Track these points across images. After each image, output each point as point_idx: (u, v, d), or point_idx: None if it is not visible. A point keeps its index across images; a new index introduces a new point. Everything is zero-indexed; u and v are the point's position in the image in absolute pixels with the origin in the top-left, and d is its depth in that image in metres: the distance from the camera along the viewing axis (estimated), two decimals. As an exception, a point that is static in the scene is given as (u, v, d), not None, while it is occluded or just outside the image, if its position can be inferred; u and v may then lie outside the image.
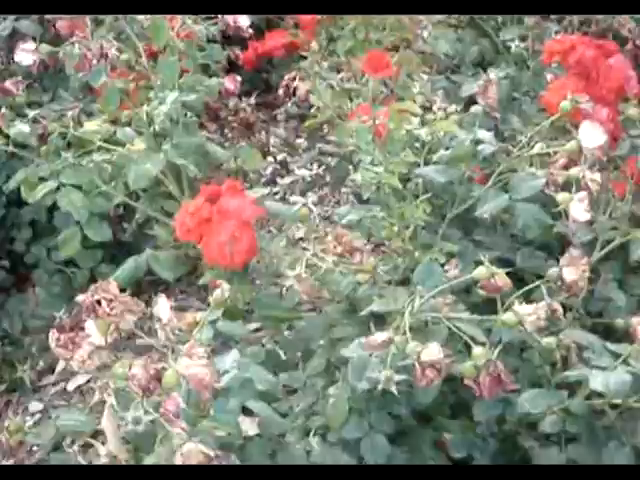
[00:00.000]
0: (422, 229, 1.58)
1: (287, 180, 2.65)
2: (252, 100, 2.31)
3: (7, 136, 1.68)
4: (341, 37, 1.90)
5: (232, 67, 2.11)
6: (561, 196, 1.41)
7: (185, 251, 1.65)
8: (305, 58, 1.99)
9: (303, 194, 2.62)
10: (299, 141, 2.70)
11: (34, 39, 1.79)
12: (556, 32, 2.14)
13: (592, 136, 1.43)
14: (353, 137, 1.47)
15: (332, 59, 1.85)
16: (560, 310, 1.28)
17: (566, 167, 1.48)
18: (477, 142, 1.55)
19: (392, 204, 1.54)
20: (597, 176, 1.41)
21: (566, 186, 1.44)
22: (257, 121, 2.36)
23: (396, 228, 1.56)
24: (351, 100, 1.68)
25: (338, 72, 1.78)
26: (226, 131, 2.33)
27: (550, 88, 1.65)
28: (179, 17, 1.77)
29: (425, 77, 1.82)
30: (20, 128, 1.64)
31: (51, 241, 2.05)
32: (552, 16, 2.32)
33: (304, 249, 1.51)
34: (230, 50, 2.06)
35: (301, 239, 2.00)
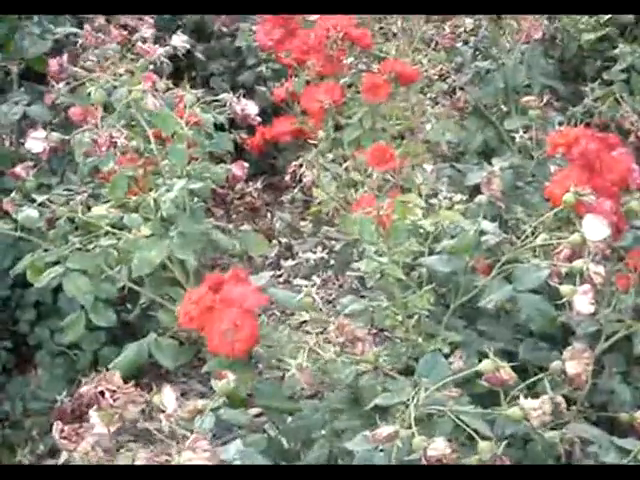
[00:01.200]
0: (426, 318, 1.59)
1: (291, 263, 2.66)
2: (258, 184, 2.33)
3: (15, 220, 1.69)
4: (348, 125, 1.92)
5: (239, 150, 2.13)
6: (565, 288, 1.42)
7: (188, 335, 1.66)
8: (312, 145, 2.03)
9: (307, 277, 2.63)
10: (304, 224, 2.72)
11: (44, 125, 1.82)
12: (559, 123, 2.17)
13: (596, 229, 1.44)
14: (357, 228, 1.48)
15: (337, 151, 1.88)
16: (563, 404, 1.28)
17: (570, 259, 1.49)
18: (481, 232, 1.56)
19: (396, 293, 1.55)
20: (601, 269, 1.42)
21: (570, 277, 1.45)
22: (262, 205, 2.38)
23: (400, 317, 1.56)
24: (356, 190, 1.70)
25: (344, 161, 1.80)
26: (231, 213, 2.35)
27: (554, 180, 1.66)
28: (187, 104, 1.79)
29: (430, 167, 1.84)
30: (28, 213, 1.66)
31: (55, 322, 2.05)
32: (555, 104, 2.36)
33: (307, 332, 1.52)
34: (237, 134, 2.09)
35: (304, 322, 2.01)
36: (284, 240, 2.60)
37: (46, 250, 1.69)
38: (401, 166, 1.62)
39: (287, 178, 2.03)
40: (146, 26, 2.12)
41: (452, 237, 1.62)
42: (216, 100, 1.83)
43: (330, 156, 1.82)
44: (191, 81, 2.94)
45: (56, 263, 1.67)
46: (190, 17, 2.95)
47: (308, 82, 2.01)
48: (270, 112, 2.60)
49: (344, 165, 1.80)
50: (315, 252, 2.66)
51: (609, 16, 2.55)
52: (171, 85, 1.99)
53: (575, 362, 1.30)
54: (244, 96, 1.88)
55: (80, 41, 2.05)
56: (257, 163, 2.62)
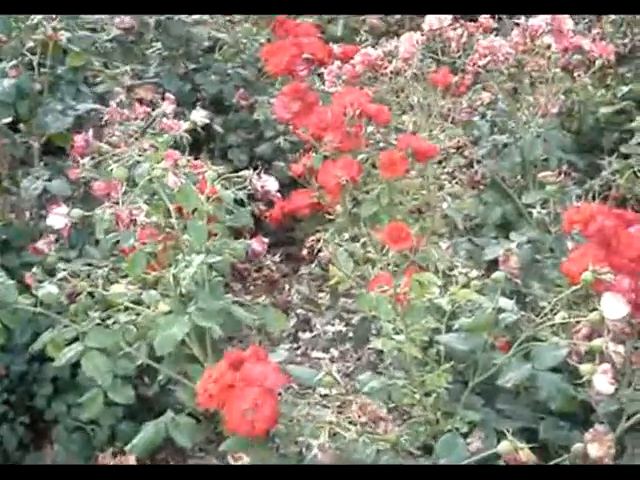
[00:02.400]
0: (444, 395, 1.58)
1: (309, 335, 2.66)
2: (277, 257, 2.34)
3: (35, 296, 1.70)
4: (365, 201, 1.93)
5: (257, 220, 2.14)
6: (585, 367, 1.41)
7: (205, 410, 1.65)
8: (330, 220, 2.04)
9: (325, 350, 2.62)
10: (321, 295, 2.72)
11: (65, 200, 1.83)
12: (577, 196, 2.18)
13: (614, 308, 1.44)
14: (374, 307, 1.48)
15: (354, 229, 1.89)
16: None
17: (589, 337, 1.48)
18: (499, 310, 1.56)
19: (413, 371, 1.55)
20: (620, 348, 1.41)
21: (589, 356, 1.45)
22: (280, 278, 2.38)
23: (417, 395, 1.56)
24: (372, 267, 1.70)
25: (362, 237, 1.81)
26: (249, 285, 2.36)
27: (571, 257, 1.66)
28: (209, 180, 1.81)
29: (447, 243, 1.84)
30: (49, 289, 1.67)
31: (73, 397, 2.05)
32: (573, 176, 2.36)
33: (325, 407, 1.51)
34: (256, 206, 2.10)
35: (325, 395, 2.00)
36: (302, 312, 2.61)
37: (66, 326, 1.69)
38: (418, 244, 1.63)
39: (304, 252, 2.04)
40: (167, 102, 2.15)
41: (470, 314, 1.62)
42: (237, 176, 1.85)
43: (346, 235, 1.83)
44: (210, 153, 2.98)
45: (76, 339, 1.68)
46: (209, 90, 2.99)
47: (325, 157, 2.02)
48: (288, 184, 2.62)
49: (361, 241, 1.81)
50: (333, 324, 2.66)
51: (626, 89, 2.57)
52: (192, 159, 2.01)
53: (597, 444, 1.29)
54: (264, 171, 1.91)
55: (105, 117, 2.08)
56: (275, 234, 2.63)
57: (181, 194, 1.72)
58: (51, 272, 1.81)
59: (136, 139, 2.04)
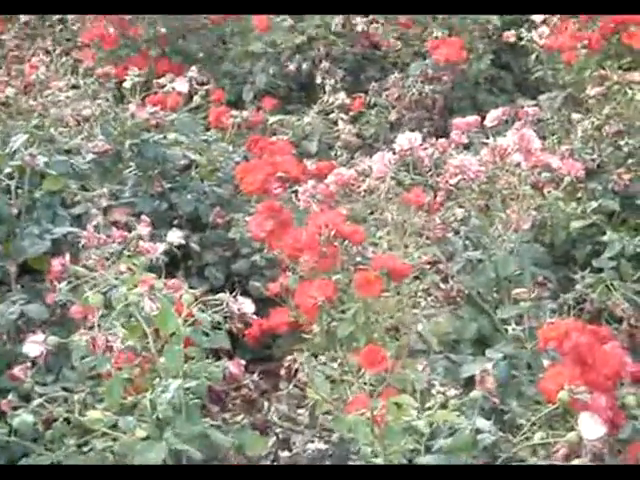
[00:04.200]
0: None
1: (288, 454, 2.63)
2: (255, 376, 2.33)
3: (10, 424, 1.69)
4: (342, 321, 1.95)
5: (235, 338, 2.14)
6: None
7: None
8: (307, 340, 2.05)
9: (305, 469, 2.59)
10: (301, 411, 2.70)
11: (41, 323, 1.84)
12: (552, 311, 2.20)
13: (591, 428, 1.45)
14: (351, 429, 1.48)
15: (330, 351, 1.90)
16: None
17: (567, 457, 1.48)
18: (477, 431, 1.56)
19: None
20: (598, 468, 1.42)
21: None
22: (259, 397, 2.37)
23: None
24: (350, 388, 1.71)
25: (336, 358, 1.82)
26: (227, 405, 2.34)
27: (547, 375, 1.67)
28: (185, 304, 1.82)
29: (423, 362, 1.85)
30: (24, 418, 1.66)
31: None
32: (549, 287, 2.38)
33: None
34: (233, 324, 2.10)
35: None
36: (281, 431, 2.58)
37: (40, 454, 1.68)
38: (394, 365, 1.64)
39: (282, 373, 2.04)
40: (143, 224, 2.18)
41: (448, 434, 1.62)
42: (214, 299, 1.86)
43: (323, 359, 1.84)
44: (186, 270, 2.99)
45: (52, 466, 1.66)
46: (185, 209, 3.01)
47: (302, 277, 2.04)
48: (266, 299, 2.63)
49: (337, 362, 1.82)
50: (313, 441, 2.64)
51: (596, 204, 2.62)
52: (168, 281, 2.02)
53: None
54: (240, 289, 1.92)
55: (82, 241, 2.09)
56: (253, 350, 2.62)
57: (158, 319, 1.73)
58: (27, 397, 1.80)
59: (113, 262, 2.05)
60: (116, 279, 1.86)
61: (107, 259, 2.12)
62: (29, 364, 1.82)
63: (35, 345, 1.70)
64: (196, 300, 1.83)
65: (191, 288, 2.69)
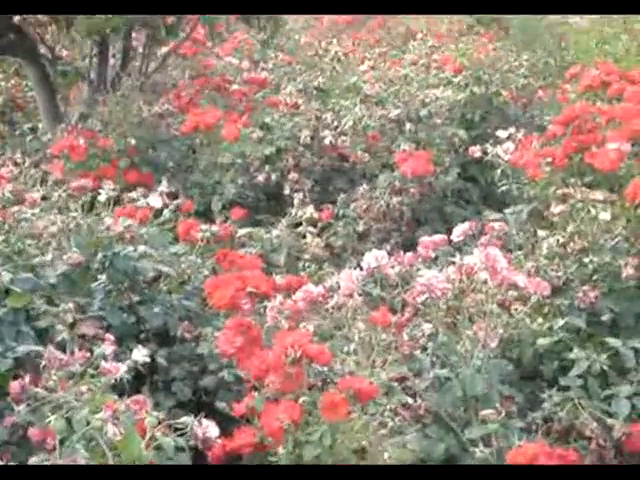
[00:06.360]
0: None
1: None
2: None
3: None
4: (308, 443, 1.92)
5: (200, 454, 2.10)
6: None
7: None
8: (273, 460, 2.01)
9: None
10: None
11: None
12: (520, 430, 2.19)
13: None
14: None
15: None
16: None
17: None
18: None
19: None
20: None
21: None
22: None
23: None
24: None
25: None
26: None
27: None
28: (148, 432, 1.80)
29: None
30: None
31: None
32: (517, 404, 2.37)
33: None
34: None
35: None
36: None
37: None
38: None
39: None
40: (107, 343, 2.15)
41: None
42: (178, 422, 1.83)
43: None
44: (153, 385, 2.95)
45: None
46: (153, 323, 2.98)
47: (268, 397, 2.02)
48: (232, 418, 2.59)
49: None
50: None
51: (562, 322, 2.62)
52: (131, 403, 1.99)
53: None
54: (207, 405, 1.89)
55: (43, 363, 2.06)
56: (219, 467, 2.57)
57: (121, 443, 1.70)
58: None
59: (76, 382, 2.02)
60: (77, 401, 1.83)
61: (70, 378, 2.09)
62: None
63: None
64: (159, 423, 1.80)
65: (157, 404, 2.68)
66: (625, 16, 6.50)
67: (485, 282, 2.31)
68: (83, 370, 2.16)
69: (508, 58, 4.79)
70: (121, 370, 2.03)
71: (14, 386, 1.91)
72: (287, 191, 4.12)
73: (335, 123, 4.30)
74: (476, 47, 4.84)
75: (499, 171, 3.56)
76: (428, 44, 5.19)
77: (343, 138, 4.24)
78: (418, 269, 2.63)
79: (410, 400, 2.30)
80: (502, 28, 6.73)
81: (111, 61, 4.93)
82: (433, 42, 5.25)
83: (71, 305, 2.61)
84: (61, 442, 1.77)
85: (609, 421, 2.26)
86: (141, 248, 3.08)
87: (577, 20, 6.69)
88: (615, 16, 6.86)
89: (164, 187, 3.33)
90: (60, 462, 1.68)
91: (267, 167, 4.30)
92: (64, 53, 4.99)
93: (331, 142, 4.21)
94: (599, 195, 2.80)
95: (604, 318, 2.68)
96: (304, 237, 3.51)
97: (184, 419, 1.84)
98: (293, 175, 4.18)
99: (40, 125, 5.02)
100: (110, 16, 4.45)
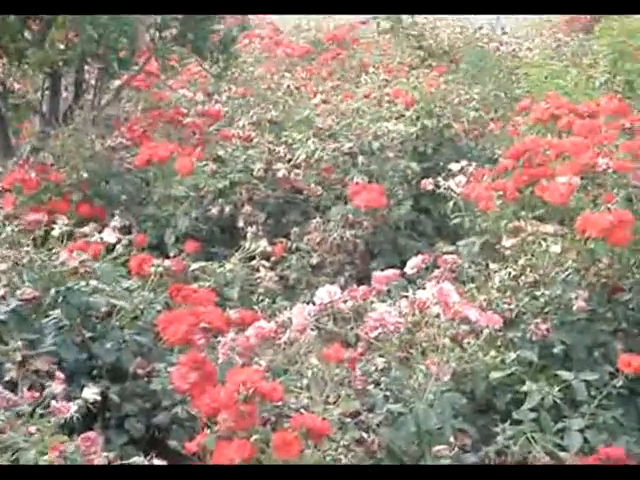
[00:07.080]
0: None
1: None
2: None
3: None
4: (260, 482, 1.90)
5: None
6: None
7: None
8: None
9: None
10: None
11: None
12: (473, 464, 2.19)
13: None
14: None
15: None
16: None
17: None
18: None
19: None
20: None
21: None
22: None
23: None
24: None
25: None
26: None
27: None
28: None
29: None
30: None
31: None
32: (470, 439, 2.37)
33: None
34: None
35: None
36: None
37: None
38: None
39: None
40: (57, 382, 2.13)
41: None
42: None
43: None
44: (105, 421, 2.92)
45: None
46: (105, 359, 2.95)
47: (220, 435, 2.00)
48: (185, 455, 2.56)
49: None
50: None
51: (515, 355, 2.64)
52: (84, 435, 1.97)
53: None
54: (160, 446, 1.87)
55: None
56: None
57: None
58: None
59: (24, 422, 2.00)
60: (26, 442, 1.80)
61: (19, 417, 2.06)
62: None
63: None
64: (109, 464, 1.78)
65: (109, 441, 2.64)
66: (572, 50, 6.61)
67: (437, 316, 2.32)
68: (32, 409, 2.13)
69: (459, 91, 4.82)
70: (72, 409, 2.02)
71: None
72: (241, 224, 4.11)
73: (288, 156, 4.30)
74: (427, 80, 4.86)
75: (451, 204, 3.57)
76: (380, 77, 5.22)
77: (296, 171, 4.24)
78: (372, 302, 2.63)
79: (364, 435, 2.30)
80: (453, 61, 6.78)
81: (63, 94, 4.91)
82: (385, 76, 5.28)
83: (20, 343, 2.57)
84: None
85: (561, 455, 2.27)
86: (93, 283, 3.05)
87: (527, 54, 6.77)
88: (565, 49, 6.97)
89: (117, 222, 3.30)
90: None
91: (221, 200, 4.28)
92: (16, 86, 4.95)
93: (284, 175, 4.21)
94: (550, 228, 2.83)
95: (556, 350, 2.70)
96: (257, 270, 3.49)
97: (134, 459, 1.81)
98: (247, 208, 4.17)
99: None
100: (62, 47, 4.45)
